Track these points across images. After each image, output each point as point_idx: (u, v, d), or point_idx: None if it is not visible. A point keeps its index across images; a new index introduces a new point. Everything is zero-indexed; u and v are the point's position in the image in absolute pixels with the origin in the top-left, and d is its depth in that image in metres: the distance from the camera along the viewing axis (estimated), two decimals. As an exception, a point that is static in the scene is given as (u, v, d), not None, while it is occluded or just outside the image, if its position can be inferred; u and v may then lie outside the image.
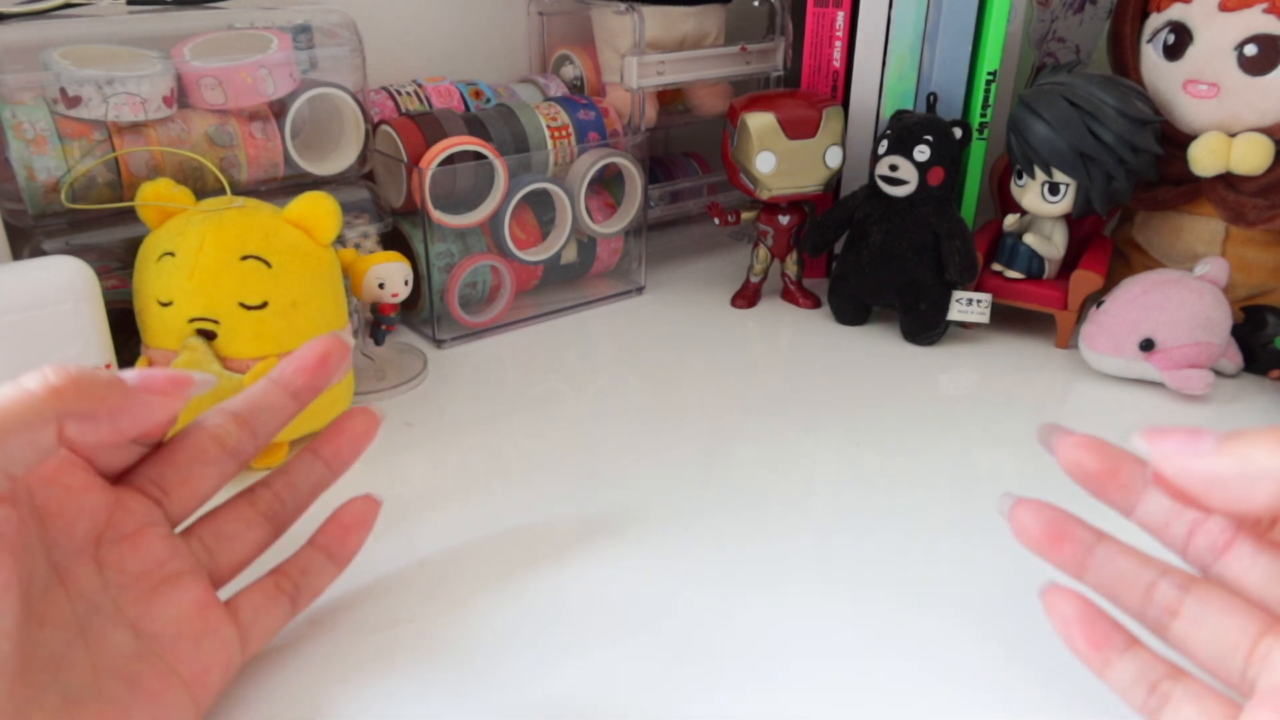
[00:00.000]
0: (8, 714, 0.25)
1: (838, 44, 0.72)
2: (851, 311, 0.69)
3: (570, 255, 0.70)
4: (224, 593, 0.34)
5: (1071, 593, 0.30)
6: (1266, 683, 0.26)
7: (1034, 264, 0.66)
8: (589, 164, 0.67)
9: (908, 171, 0.63)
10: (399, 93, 0.68)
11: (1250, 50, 0.61)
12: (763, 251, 0.71)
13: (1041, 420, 0.57)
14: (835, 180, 0.70)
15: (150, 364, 0.47)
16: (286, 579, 0.36)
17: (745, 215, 0.71)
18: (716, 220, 0.71)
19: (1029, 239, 0.66)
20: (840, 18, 0.71)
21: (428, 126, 0.63)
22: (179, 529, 0.33)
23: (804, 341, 0.67)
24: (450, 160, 0.61)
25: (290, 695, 0.35)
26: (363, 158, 0.62)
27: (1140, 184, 0.66)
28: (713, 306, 0.72)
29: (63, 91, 0.49)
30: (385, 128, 0.64)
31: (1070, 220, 0.67)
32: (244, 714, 0.34)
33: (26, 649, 0.26)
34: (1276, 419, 0.58)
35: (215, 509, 0.35)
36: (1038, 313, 0.67)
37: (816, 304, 0.72)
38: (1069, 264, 0.67)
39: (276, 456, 0.49)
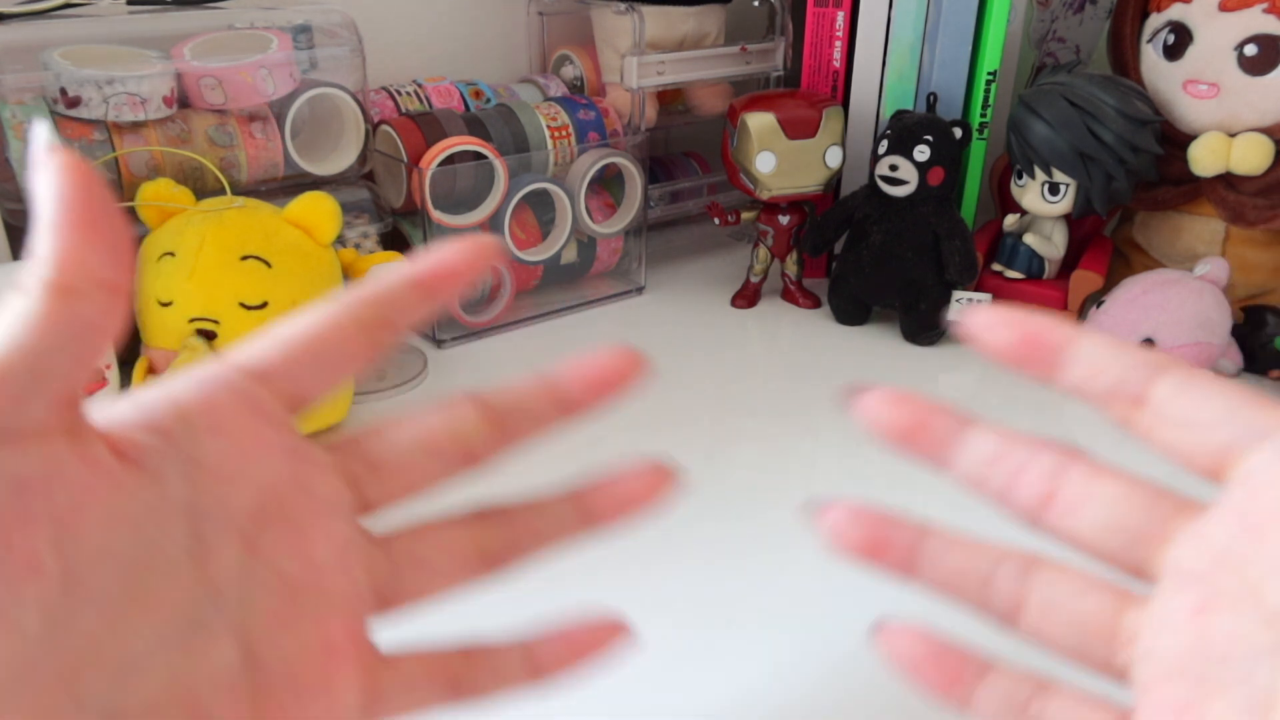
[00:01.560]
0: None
1: (838, 44, 0.72)
2: (851, 311, 0.69)
3: (570, 255, 0.70)
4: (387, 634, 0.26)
5: (909, 630, 0.27)
6: (1146, 675, 0.22)
7: (1034, 264, 0.66)
8: (589, 164, 0.67)
9: (908, 171, 0.63)
10: (399, 93, 0.68)
11: (1250, 50, 0.61)
12: (763, 251, 0.71)
13: (1041, 420, 0.56)
14: (835, 180, 0.70)
15: (150, 364, 0.47)
16: (471, 671, 0.27)
17: (745, 215, 0.71)
18: (716, 220, 0.71)
19: (1029, 239, 0.66)
20: (840, 18, 0.71)
21: (428, 126, 0.63)
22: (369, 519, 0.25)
23: (804, 341, 0.67)
24: (450, 160, 0.61)
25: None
26: (363, 158, 0.62)
27: (1140, 184, 0.66)
28: (713, 306, 0.72)
29: (63, 91, 0.50)
30: (385, 128, 0.64)
31: (1070, 220, 0.67)
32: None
33: (77, 643, 0.18)
34: (1276, 419, 0.57)
35: (429, 523, 0.27)
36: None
37: (816, 304, 0.72)
38: (1069, 264, 0.67)
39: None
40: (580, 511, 0.28)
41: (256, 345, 0.23)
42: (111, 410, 0.20)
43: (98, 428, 0.20)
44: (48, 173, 0.20)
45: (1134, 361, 0.23)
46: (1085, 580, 0.24)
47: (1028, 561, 0.25)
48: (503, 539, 0.27)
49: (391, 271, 0.24)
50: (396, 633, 0.26)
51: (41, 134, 0.21)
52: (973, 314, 0.25)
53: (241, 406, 0.22)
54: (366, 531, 0.25)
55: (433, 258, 0.25)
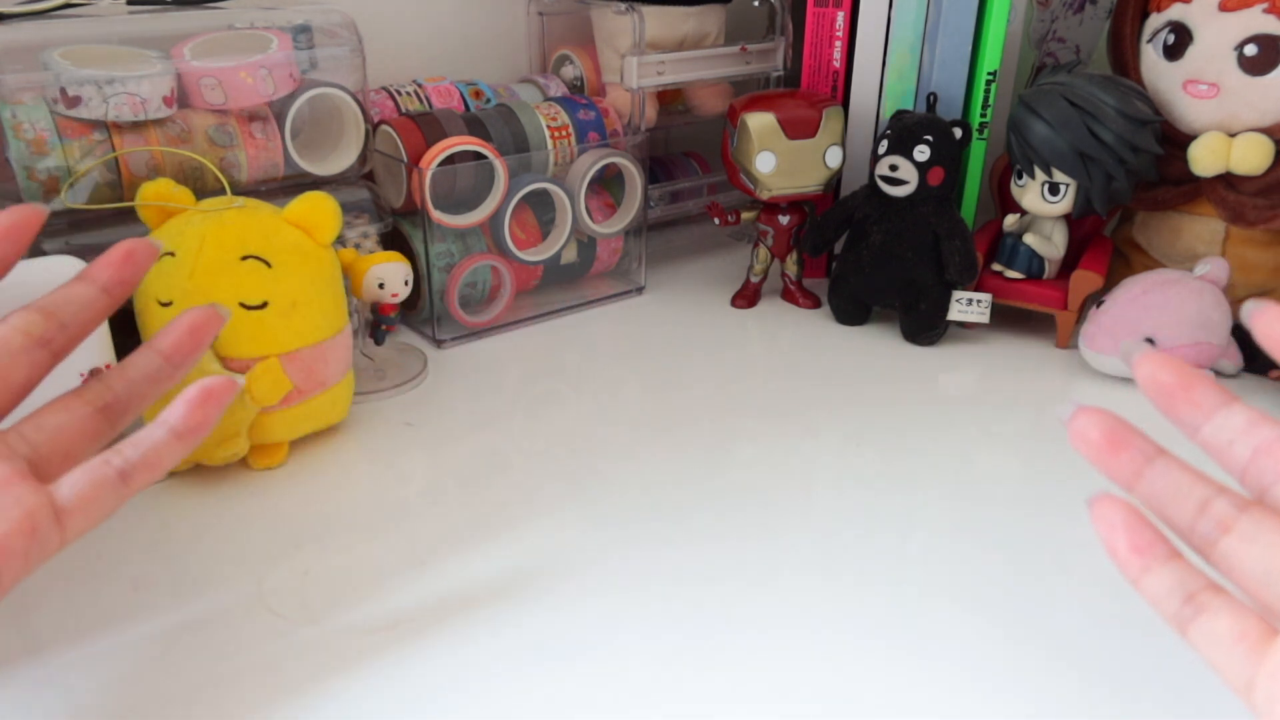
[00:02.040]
0: None
1: (838, 44, 0.72)
2: (851, 311, 0.69)
3: (570, 255, 0.70)
4: None
5: (1121, 501, 0.30)
6: None
7: (1034, 264, 0.66)
8: (589, 164, 0.67)
9: (908, 171, 0.63)
10: (399, 93, 0.68)
11: (1250, 50, 0.61)
12: (763, 251, 0.71)
13: (1041, 420, 0.56)
14: (835, 180, 0.70)
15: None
16: (117, 455, 0.32)
17: (745, 215, 0.71)
18: (716, 220, 0.71)
19: (1029, 239, 0.66)
20: (840, 18, 0.71)
21: (428, 126, 0.63)
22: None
23: (804, 341, 0.67)
24: (450, 160, 0.61)
25: (288, 694, 0.35)
26: (363, 158, 0.62)
27: (1140, 184, 0.66)
28: (713, 306, 0.72)
29: (63, 91, 0.49)
30: (385, 128, 0.64)
31: (1070, 220, 0.67)
32: (241, 713, 0.34)
33: None
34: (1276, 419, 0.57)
35: (40, 407, 0.33)
36: (1038, 313, 0.67)
37: (816, 304, 0.72)
38: (1069, 264, 0.67)
39: (277, 457, 0.49)
40: (162, 356, 0.35)
41: None
42: None
43: None
44: None
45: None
46: None
47: (1245, 500, 0.28)
48: (106, 392, 0.34)
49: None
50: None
51: None
52: (1146, 359, 0.30)
53: None
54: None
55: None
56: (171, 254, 0.46)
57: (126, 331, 0.49)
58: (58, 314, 0.33)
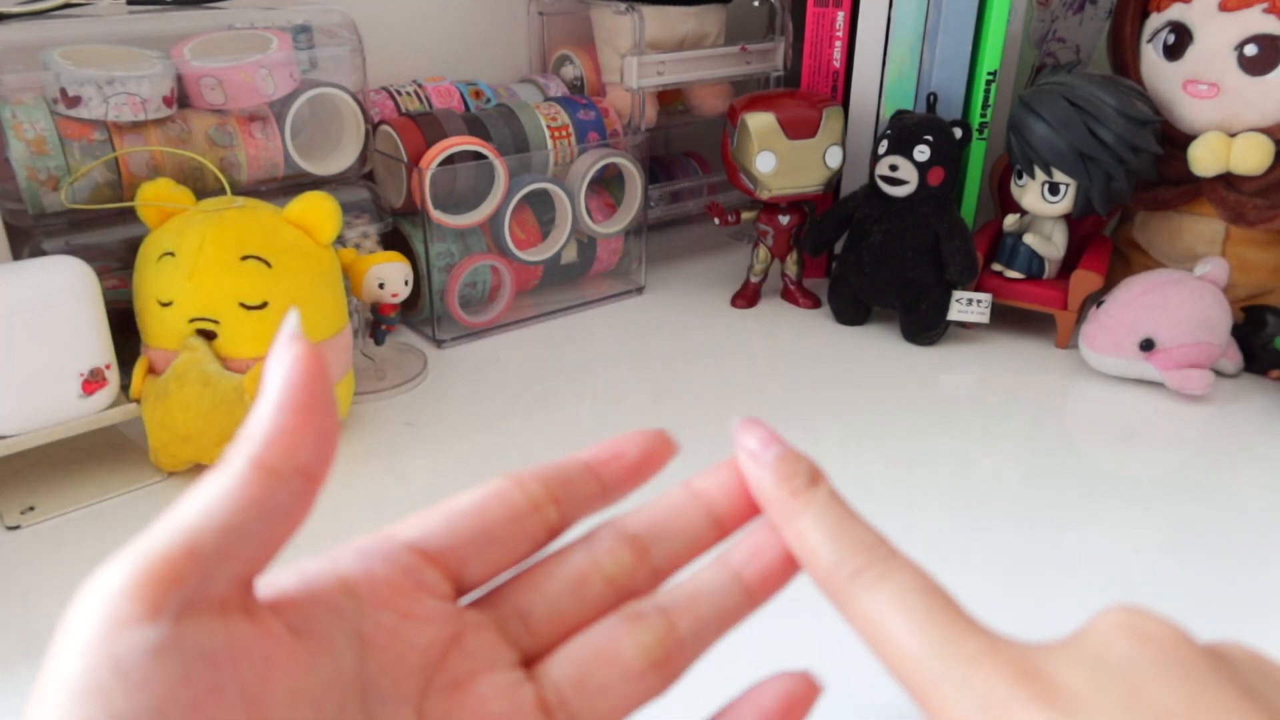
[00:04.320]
0: None
1: (838, 44, 0.72)
2: (851, 311, 0.69)
3: (570, 255, 0.70)
4: None
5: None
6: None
7: (1034, 264, 0.66)
8: (589, 164, 0.67)
9: (908, 171, 0.63)
10: (399, 93, 0.68)
11: (1250, 50, 0.61)
12: (763, 251, 0.71)
13: (1041, 420, 0.56)
14: (835, 180, 0.70)
15: (150, 364, 0.47)
16: None
17: (745, 215, 0.71)
18: (716, 220, 0.71)
19: (1029, 239, 0.66)
20: (840, 18, 0.71)
21: (428, 126, 0.63)
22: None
23: (804, 341, 0.67)
24: (450, 160, 0.61)
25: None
26: (363, 158, 0.62)
27: (1140, 184, 0.66)
28: (713, 306, 0.72)
29: (63, 91, 0.49)
30: (385, 128, 0.64)
31: (1070, 220, 0.67)
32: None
33: None
34: (1277, 419, 0.57)
35: (581, 640, 0.24)
36: (1038, 313, 0.67)
37: (816, 304, 0.72)
38: (1069, 264, 0.67)
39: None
40: (740, 586, 0.25)
41: (423, 520, 0.23)
42: (278, 582, 0.21)
43: (270, 602, 0.20)
44: (283, 357, 0.20)
45: None
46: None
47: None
48: (672, 643, 0.24)
49: (567, 458, 0.24)
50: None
51: (292, 322, 0.21)
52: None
53: (403, 579, 0.22)
54: (525, 671, 0.23)
55: (609, 447, 0.24)
56: (171, 254, 0.46)
57: (127, 331, 0.49)
58: (651, 553, 0.25)
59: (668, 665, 0.24)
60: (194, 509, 0.19)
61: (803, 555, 0.24)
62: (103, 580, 0.18)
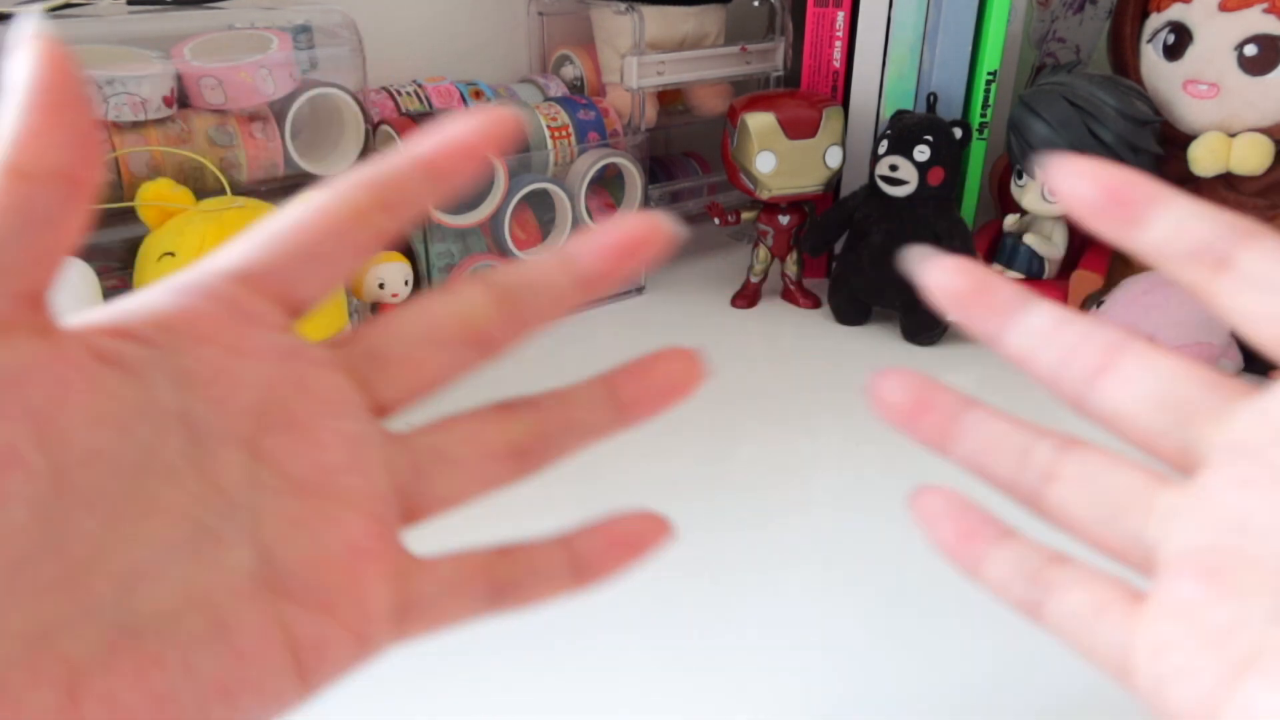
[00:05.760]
0: (22, 639, 0.17)
1: (838, 44, 0.72)
2: (851, 311, 0.69)
3: (570, 255, 0.70)
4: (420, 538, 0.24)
5: (938, 489, 0.26)
6: (1175, 546, 0.21)
7: (1034, 264, 0.66)
8: (589, 164, 0.67)
9: (908, 171, 0.63)
10: (399, 93, 0.68)
11: (1250, 50, 0.61)
12: (763, 251, 0.71)
13: (1041, 420, 0.57)
14: (835, 180, 0.70)
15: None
16: (511, 571, 0.25)
17: (745, 215, 0.71)
18: (716, 220, 0.71)
19: (1029, 239, 0.66)
20: (840, 18, 0.71)
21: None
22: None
23: (804, 341, 0.67)
24: (450, 160, 0.61)
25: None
26: (363, 158, 0.62)
27: (1140, 184, 0.66)
28: (713, 306, 0.72)
29: (63, 91, 0.50)
30: (385, 128, 0.64)
31: (1070, 220, 0.67)
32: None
33: (77, 548, 0.18)
34: (1276, 419, 0.57)
35: (451, 418, 0.25)
36: (1038, 313, 0.67)
37: (816, 304, 0.72)
38: (1069, 264, 0.67)
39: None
40: (613, 400, 0.26)
41: (240, 246, 0.21)
42: (86, 318, 0.19)
43: (71, 330, 0.19)
44: (25, 56, 0.19)
45: (1221, 223, 0.22)
46: (1123, 459, 0.24)
47: (1067, 440, 0.24)
48: (534, 432, 0.25)
49: (393, 152, 0.22)
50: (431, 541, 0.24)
51: (31, 22, 0.19)
52: (1060, 170, 0.24)
53: (228, 312, 0.21)
54: (382, 429, 0.23)
55: (440, 134, 0.22)
56: (172, 254, 0.46)
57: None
58: (516, 303, 0.24)
59: (529, 456, 0.25)
60: None
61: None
62: None
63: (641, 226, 0.24)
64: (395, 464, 0.23)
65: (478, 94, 0.71)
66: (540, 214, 0.68)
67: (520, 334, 0.25)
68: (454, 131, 0.22)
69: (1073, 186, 0.24)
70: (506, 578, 0.25)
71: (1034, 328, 0.24)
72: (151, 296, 0.20)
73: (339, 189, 0.22)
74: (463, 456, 0.24)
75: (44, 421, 0.17)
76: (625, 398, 0.26)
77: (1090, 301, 0.65)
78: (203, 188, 0.54)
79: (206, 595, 0.20)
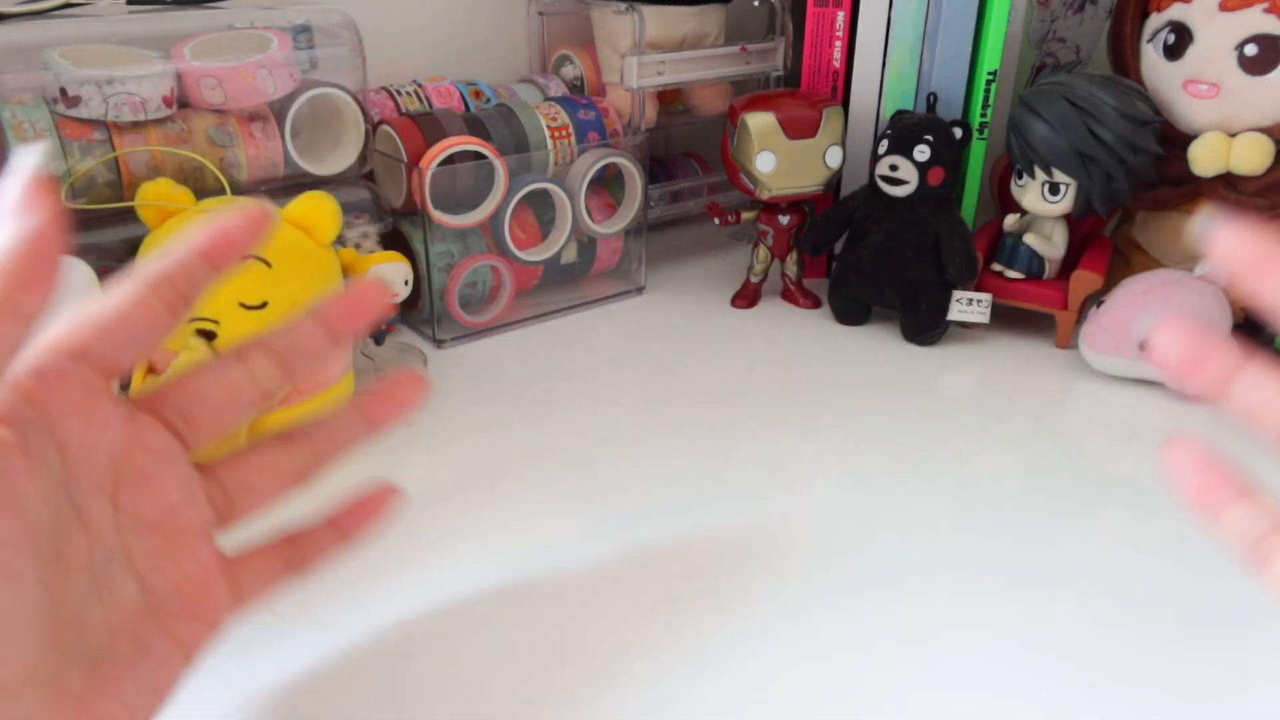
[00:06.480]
0: (44, 682, 0.24)
1: (838, 44, 0.72)
2: (851, 311, 0.69)
3: (570, 255, 0.70)
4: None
5: (1190, 442, 0.29)
6: None
7: (1034, 264, 0.66)
8: (589, 164, 0.67)
9: (908, 171, 0.63)
10: (399, 93, 0.68)
11: (1250, 50, 0.61)
12: (763, 251, 0.71)
13: (1041, 420, 0.56)
14: (835, 180, 0.70)
15: (150, 364, 0.47)
16: (298, 552, 0.33)
17: (745, 215, 0.71)
18: (716, 220, 0.71)
19: (1029, 239, 0.66)
20: (840, 18, 0.71)
21: (428, 126, 0.63)
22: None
23: (804, 341, 0.67)
24: (450, 160, 0.61)
25: (287, 697, 0.35)
26: (363, 158, 0.62)
27: (1140, 184, 0.66)
28: (713, 306, 0.72)
29: (63, 91, 0.50)
30: (385, 128, 0.64)
31: (1070, 220, 0.67)
32: (242, 716, 0.34)
33: (53, 604, 0.24)
34: (1276, 419, 0.58)
35: (245, 453, 0.32)
36: (1038, 313, 0.67)
37: (816, 304, 0.72)
38: (1069, 264, 0.67)
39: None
40: (363, 418, 0.34)
41: (69, 327, 0.27)
42: None
43: None
44: (25, 219, 0.24)
45: None
46: None
47: None
48: (311, 456, 0.33)
49: (179, 246, 0.28)
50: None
51: (32, 158, 0.25)
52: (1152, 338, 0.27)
53: (79, 389, 0.26)
54: (198, 470, 0.30)
55: (213, 228, 0.29)
56: (171, 254, 0.46)
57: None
58: (289, 365, 0.31)
59: (308, 473, 0.33)
60: None
61: None
62: None
63: (368, 288, 0.32)
64: (213, 495, 0.30)
65: (478, 94, 0.71)
66: (540, 214, 0.68)
67: (291, 387, 0.32)
68: (223, 226, 0.29)
69: (1163, 348, 0.27)
70: (296, 555, 0.33)
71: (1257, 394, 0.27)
72: (15, 379, 0.25)
73: (143, 279, 0.27)
74: (261, 485, 0.32)
75: (19, 509, 0.23)
76: (372, 416, 0.34)
77: (1090, 301, 0.65)
78: (203, 188, 0.54)
79: (122, 625, 0.27)
